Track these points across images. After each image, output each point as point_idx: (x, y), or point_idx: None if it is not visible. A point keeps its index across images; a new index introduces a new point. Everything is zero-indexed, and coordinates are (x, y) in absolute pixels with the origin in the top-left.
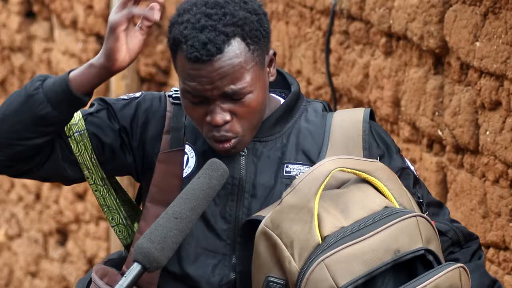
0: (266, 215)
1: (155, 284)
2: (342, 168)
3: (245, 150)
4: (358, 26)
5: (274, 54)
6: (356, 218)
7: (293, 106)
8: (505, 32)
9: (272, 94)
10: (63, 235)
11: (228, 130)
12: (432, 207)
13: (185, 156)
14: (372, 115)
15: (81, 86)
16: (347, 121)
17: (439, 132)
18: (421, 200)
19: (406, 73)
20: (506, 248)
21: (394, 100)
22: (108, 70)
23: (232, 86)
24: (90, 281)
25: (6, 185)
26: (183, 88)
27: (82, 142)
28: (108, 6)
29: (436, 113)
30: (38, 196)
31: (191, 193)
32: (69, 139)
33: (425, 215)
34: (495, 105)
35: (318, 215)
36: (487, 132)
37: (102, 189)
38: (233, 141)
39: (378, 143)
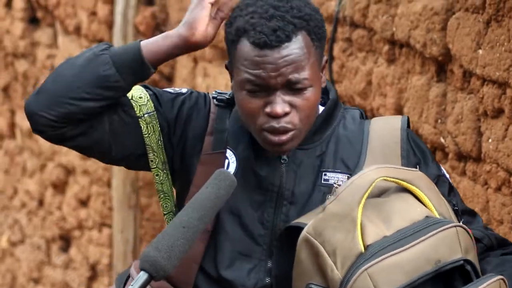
0: (306, 222)
1: (191, 284)
2: (385, 178)
3: (286, 158)
4: (361, 33)
5: (326, 61)
6: (398, 228)
7: (332, 113)
8: (507, 40)
9: None
10: (66, 241)
11: (288, 121)
12: (466, 215)
13: (226, 161)
14: (408, 123)
15: (152, 55)
16: (385, 128)
17: (442, 140)
18: (456, 208)
19: (409, 81)
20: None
21: (397, 107)
22: (185, 40)
23: (296, 75)
24: (128, 277)
25: (9, 191)
26: (244, 78)
27: (151, 124)
28: (111, 13)
29: (439, 121)
30: (41, 202)
31: (199, 202)
32: (139, 119)
33: (463, 224)
34: (498, 112)
35: (361, 224)
36: (490, 140)
37: (162, 174)
38: (290, 133)
39: (415, 151)
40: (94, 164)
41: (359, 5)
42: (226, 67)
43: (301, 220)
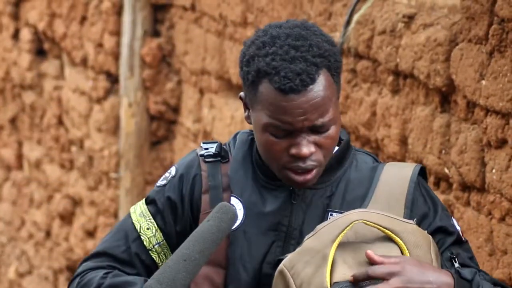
0: None
1: None
2: (364, 221)
3: (295, 197)
4: (365, 64)
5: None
6: None
7: (344, 155)
8: (511, 71)
9: None
10: (73, 272)
11: (313, 160)
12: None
13: None
14: (423, 172)
15: None
16: (395, 177)
17: (446, 170)
18: (454, 256)
19: (413, 111)
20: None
21: (401, 138)
22: None
23: (321, 119)
24: None
25: (16, 223)
26: (268, 122)
27: (162, 252)
28: (118, 44)
29: (443, 151)
30: (48, 234)
31: (201, 235)
32: (150, 252)
33: None
34: (501, 143)
35: (333, 262)
36: (493, 170)
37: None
38: (314, 171)
39: (426, 198)
40: (101, 195)
41: (363, 36)
42: (241, 98)
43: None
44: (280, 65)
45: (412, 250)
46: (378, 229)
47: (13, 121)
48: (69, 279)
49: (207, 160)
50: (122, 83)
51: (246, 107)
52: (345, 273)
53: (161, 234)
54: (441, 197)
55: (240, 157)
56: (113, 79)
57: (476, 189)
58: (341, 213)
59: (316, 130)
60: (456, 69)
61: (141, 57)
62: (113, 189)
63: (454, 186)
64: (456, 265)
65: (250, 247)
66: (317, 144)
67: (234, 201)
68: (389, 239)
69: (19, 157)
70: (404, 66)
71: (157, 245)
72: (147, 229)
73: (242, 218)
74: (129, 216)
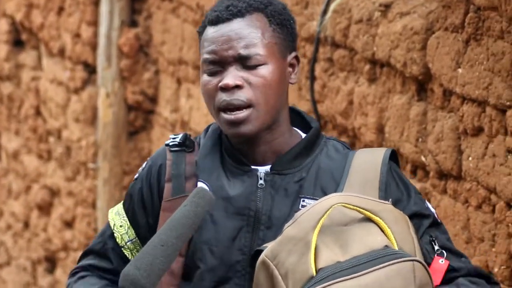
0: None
1: None
2: (344, 204)
3: (263, 182)
4: (342, 53)
5: (297, 58)
6: (354, 254)
7: (314, 141)
8: (486, 59)
9: (294, 128)
10: (51, 263)
11: (240, 95)
12: (449, 253)
13: None
14: (395, 156)
15: None
16: (367, 162)
17: (423, 158)
18: (433, 239)
19: (390, 100)
20: (489, 273)
21: (378, 126)
22: None
23: (247, 50)
24: None
25: None
26: (202, 59)
27: (135, 249)
28: (95, 35)
29: (420, 139)
30: (26, 224)
31: (177, 220)
32: (122, 249)
33: (423, 262)
34: (478, 131)
35: (316, 249)
36: (470, 158)
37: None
38: (245, 111)
39: (398, 183)
40: (79, 186)
41: (340, 25)
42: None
43: (268, 244)
44: (216, 5)
45: (393, 227)
46: (357, 210)
47: None
48: (48, 270)
49: (172, 149)
50: (100, 74)
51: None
52: (329, 258)
53: (133, 231)
54: (417, 185)
55: (209, 144)
56: (91, 69)
57: (452, 177)
58: (314, 199)
59: (245, 64)
60: (433, 57)
61: (118, 47)
62: (91, 179)
63: (431, 174)
64: (436, 247)
65: (217, 230)
66: (246, 81)
67: (201, 185)
68: (366, 220)
69: None
70: (380, 55)
71: (129, 242)
72: (120, 226)
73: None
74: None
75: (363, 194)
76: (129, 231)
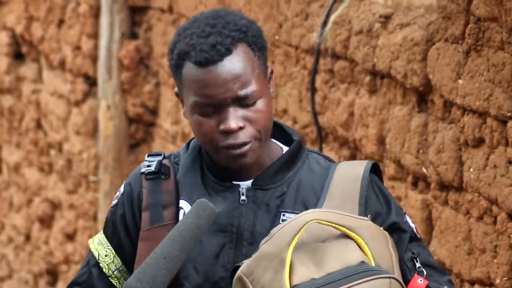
0: None
1: None
2: (319, 221)
3: (245, 198)
4: (342, 64)
5: (272, 71)
6: (329, 271)
7: (296, 155)
8: (487, 70)
9: (274, 141)
10: (53, 276)
11: (244, 136)
12: (430, 269)
13: (182, 211)
14: (376, 168)
15: None
16: (347, 175)
17: (424, 170)
18: (415, 256)
19: (391, 111)
20: (491, 285)
21: (379, 138)
22: None
23: (244, 90)
24: None
25: None
26: (193, 101)
27: (122, 278)
28: (96, 47)
29: (421, 151)
30: (28, 237)
31: (180, 233)
32: (109, 278)
33: (400, 279)
34: (479, 142)
35: (291, 265)
36: (471, 169)
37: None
38: (249, 145)
39: (378, 196)
40: (80, 198)
41: (340, 36)
42: (176, 94)
43: (247, 260)
44: (196, 42)
45: (370, 244)
46: (333, 227)
47: None
48: (49, 283)
49: (147, 177)
50: (100, 86)
51: (182, 102)
52: (304, 274)
53: (119, 259)
54: (419, 196)
55: (189, 161)
56: (91, 82)
57: (454, 188)
58: (294, 213)
59: (243, 103)
60: (433, 68)
61: (119, 59)
62: (92, 192)
63: (432, 185)
64: (418, 264)
65: (201, 248)
66: (247, 119)
67: (183, 203)
68: (344, 236)
69: None
70: (381, 66)
71: (116, 271)
72: (105, 255)
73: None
74: (89, 248)
75: (343, 208)
76: (115, 259)
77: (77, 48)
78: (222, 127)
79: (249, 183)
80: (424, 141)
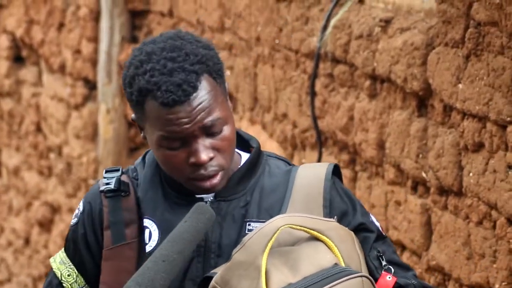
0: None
1: None
2: (291, 225)
3: None
4: (342, 69)
5: (227, 86)
6: (304, 274)
7: (256, 162)
8: (487, 74)
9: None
10: None
11: (214, 165)
12: (396, 267)
13: (147, 231)
14: (337, 170)
15: None
16: (309, 178)
17: (423, 174)
18: (380, 254)
19: (390, 116)
20: None
21: (379, 142)
22: None
23: (210, 118)
24: None
25: None
26: (159, 135)
27: None
28: (95, 51)
29: (420, 155)
30: (27, 241)
31: (178, 236)
32: None
33: (370, 278)
34: (478, 146)
35: (266, 272)
36: (471, 174)
37: None
38: (219, 175)
39: (342, 196)
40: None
41: (340, 41)
42: (133, 120)
43: (216, 270)
44: (160, 80)
45: (339, 246)
46: (304, 231)
47: None
48: None
49: (107, 195)
50: (100, 90)
51: (140, 128)
52: (280, 280)
53: (82, 279)
54: (418, 201)
55: (148, 177)
56: (91, 85)
57: (453, 193)
58: (259, 222)
59: (209, 133)
60: (433, 73)
61: (119, 63)
62: None
63: (432, 190)
64: (384, 262)
65: None
66: (215, 149)
67: (148, 222)
68: (313, 239)
69: None
70: (381, 70)
71: None
72: (68, 275)
73: (158, 238)
74: (51, 267)
75: (307, 212)
76: (78, 279)
77: (77, 51)
78: (192, 159)
79: (211, 195)
80: (424, 146)
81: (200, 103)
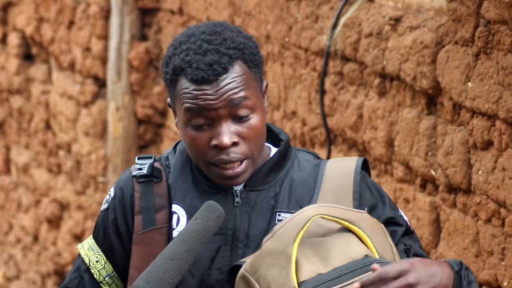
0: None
1: None
2: (323, 215)
3: (239, 200)
4: (352, 67)
5: (266, 86)
6: (335, 265)
7: (285, 155)
8: (496, 72)
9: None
10: (61, 276)
11: (237, 152)
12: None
13: (175, 216)
14: (366, 164)
15: None
16: (339, 171)
17: (432, 172)
18: (408, 248)
19: (400, 114)
20: (498, 287)
21: (388, 140)
22: None
23: (236, 96)
24: None
25: (4, 227)
26: (187, 115)
27: (114, 284)
28: (105, 49)
29: (429, 153)
30: (36, 238)
31: (188, 234)
32: (101, 284)
33: None
34: (487, 144)
35: (296, 261)
36: (480, 172)
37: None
38: (243, 164)
39: (371, 190)
40: (88, 199)
41: (350, 39)
42: (169, 105)
43: (245, 259)
44: (193, 59)
45: (371, 236)
46: (336, 221)
47: (0, 125)
48: (57, 284)
49: (139, 180)
50: (110, 87)
51: (174, 113)
52: (310, 270)
53: (110, 266)
54: (427, 199)
55: (179, 165)
56: (101, 83)
57: (462, 190)
58: (290, 213)
59: (236, 118)
60: (442, 71)
61: (128, 61)
62: (100, 193)
63: (441, 187)
64: (410, 256)
65: None
66: (240, 136)
67: (176, 208)
68: (344, 230)
69: (7, 161)
70: (390, 69)
71: (108, 277)
72: (96, 261)
73: (186, 224)
74: (79, 253)
75: (338, 203)
76: (106, 265)
77: (87, 49)
78: (215, 141)
79: (241, 185)
80: (433, 144)
81: (229, 83)
